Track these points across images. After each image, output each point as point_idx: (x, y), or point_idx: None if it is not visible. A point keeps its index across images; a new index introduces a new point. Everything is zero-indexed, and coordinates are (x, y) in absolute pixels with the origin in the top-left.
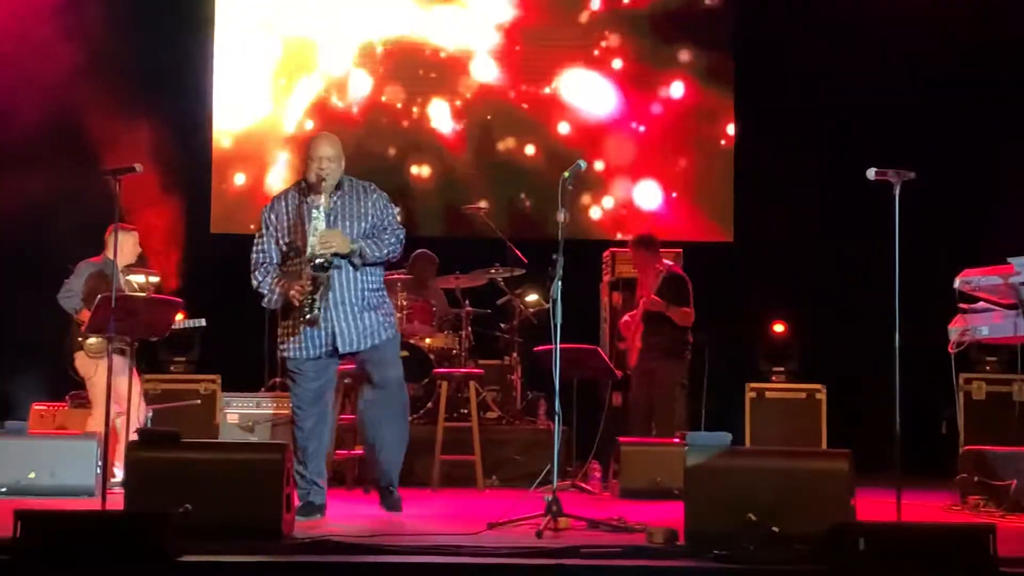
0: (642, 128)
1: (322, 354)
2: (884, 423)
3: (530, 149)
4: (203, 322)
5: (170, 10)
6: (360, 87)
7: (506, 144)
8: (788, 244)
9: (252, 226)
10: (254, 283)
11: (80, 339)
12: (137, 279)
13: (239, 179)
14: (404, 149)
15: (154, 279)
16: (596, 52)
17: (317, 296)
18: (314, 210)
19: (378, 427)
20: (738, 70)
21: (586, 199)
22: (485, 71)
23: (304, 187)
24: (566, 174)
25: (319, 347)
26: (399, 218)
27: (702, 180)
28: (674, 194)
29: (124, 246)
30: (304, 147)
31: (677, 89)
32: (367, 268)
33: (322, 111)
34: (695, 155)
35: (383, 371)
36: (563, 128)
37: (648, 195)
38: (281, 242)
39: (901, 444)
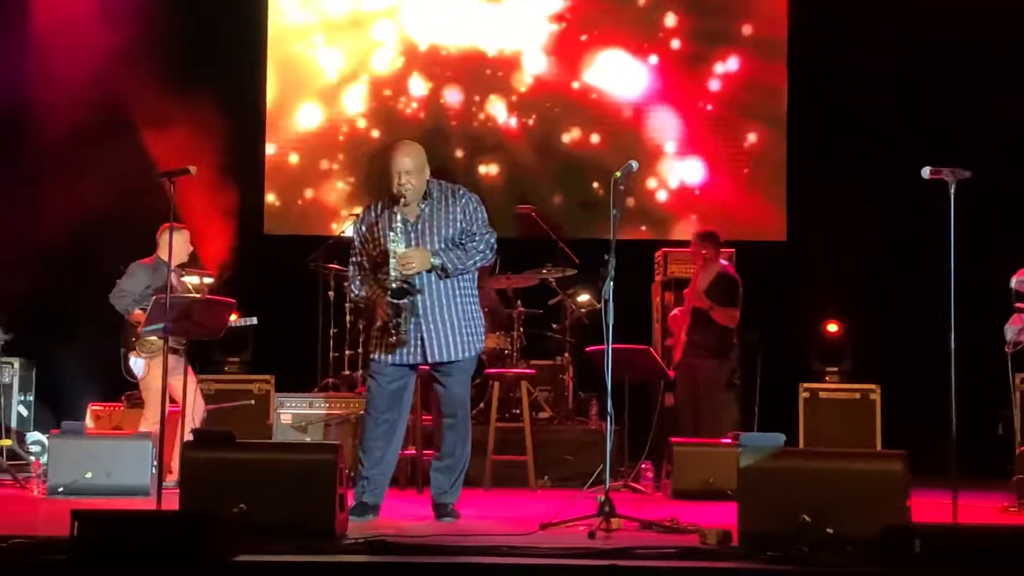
0: (709, 106)
1: (408, 362)
2: (940, 424)
3: (595, 138)
4: (254, 320)
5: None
6: (418, 89)
7: (572, 136)
8: (842, 243)
9: (340, 229)
10: (352, 295)
11: (133, 339)
12: (191, 280)
13: (293, 181)
14: (470, 150)
15: (208, 280)
16: (660, 34)
17: (401, 320)
18: (391, 232)
19: (446, 454)
20: (790, 62)
21: (652, 183)
22: (543, 64)
23: (389, 199)
24: (617, 174)
25: (407, 356)
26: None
27: (756, 178)
28: (746, 169)
29: (175, 245)
30: (385, 156)
31: (733, 65)
32: (463, 278)
33: (377, 112)
34: (749, 146)
35: (453, 387)
36: (627, 112)
37: (705, 184)
38: (372, 253)
39: (957, 445)
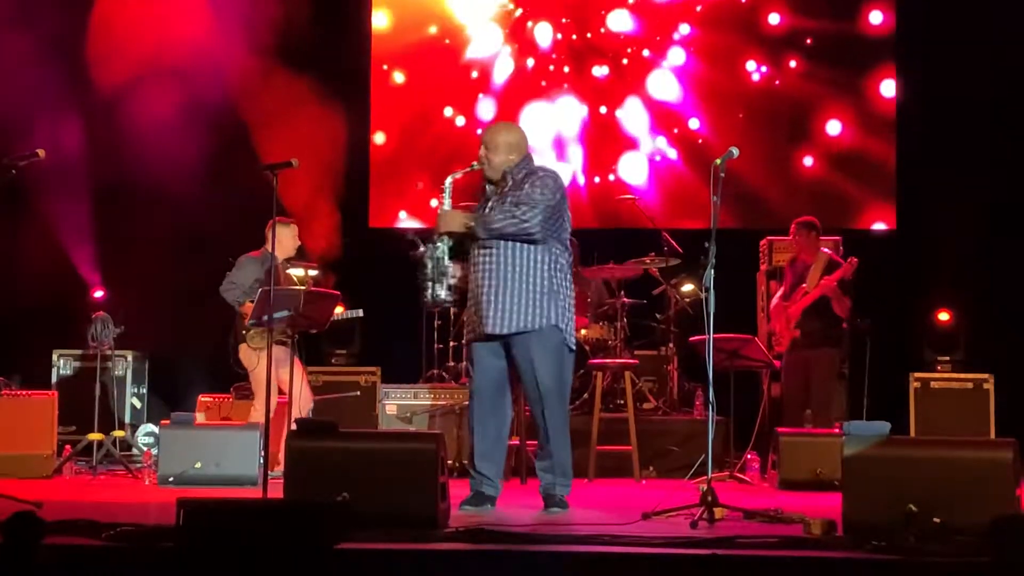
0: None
1: (483, 335)
2: None
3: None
4: (360, 312)
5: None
6: (515, 80)
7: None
8: (952, 231)
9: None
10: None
11: (243, 331)
12: (296, 272)
13: (397, 173)
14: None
15: (313, 272)
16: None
17: (429, 273)
18: (443, 195)
19: (541, 445)
20: (898, 53)
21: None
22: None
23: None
24: (718, 161)
25: (476, 327)
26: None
27: (865, 166)
28: (855, 157)
29: (283, 239)
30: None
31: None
32: (531, 251)
33: (475, 101)
34: (858, 136)
35: (525, 369)
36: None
37: (813, 171)
38: None
39: None
